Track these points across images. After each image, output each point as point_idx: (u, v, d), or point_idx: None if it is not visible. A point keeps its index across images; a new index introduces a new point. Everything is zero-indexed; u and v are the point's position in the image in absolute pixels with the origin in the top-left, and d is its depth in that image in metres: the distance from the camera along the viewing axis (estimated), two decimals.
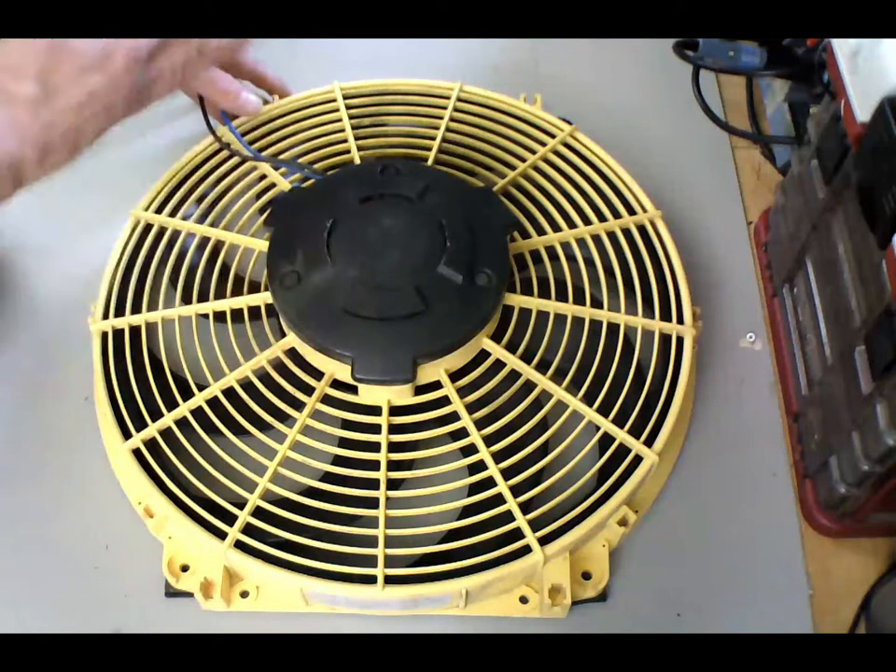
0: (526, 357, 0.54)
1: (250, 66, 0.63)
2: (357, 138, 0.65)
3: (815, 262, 0.54)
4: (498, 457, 0.51)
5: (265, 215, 0.60)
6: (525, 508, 0.50)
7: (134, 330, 0.56)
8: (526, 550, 0.48)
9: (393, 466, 0.51)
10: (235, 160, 0.63)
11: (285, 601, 0.51)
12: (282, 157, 0.64)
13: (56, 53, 0.42)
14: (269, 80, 0.64)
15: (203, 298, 0.57)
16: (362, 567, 0.48)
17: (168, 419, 0.52)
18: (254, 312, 0.57)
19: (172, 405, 0.53)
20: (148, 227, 0.60)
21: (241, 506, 0.49)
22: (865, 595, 0.52)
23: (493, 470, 0.51)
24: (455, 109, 0.65)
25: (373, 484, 0.50)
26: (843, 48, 0.47)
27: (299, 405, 0.53)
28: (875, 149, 0.43)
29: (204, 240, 0.60)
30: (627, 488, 0.50)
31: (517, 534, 0.49)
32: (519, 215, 0.60)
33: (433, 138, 0.64)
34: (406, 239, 0.54)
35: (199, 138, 0.64)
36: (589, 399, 0.53)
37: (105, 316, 0.56)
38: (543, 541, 0.48)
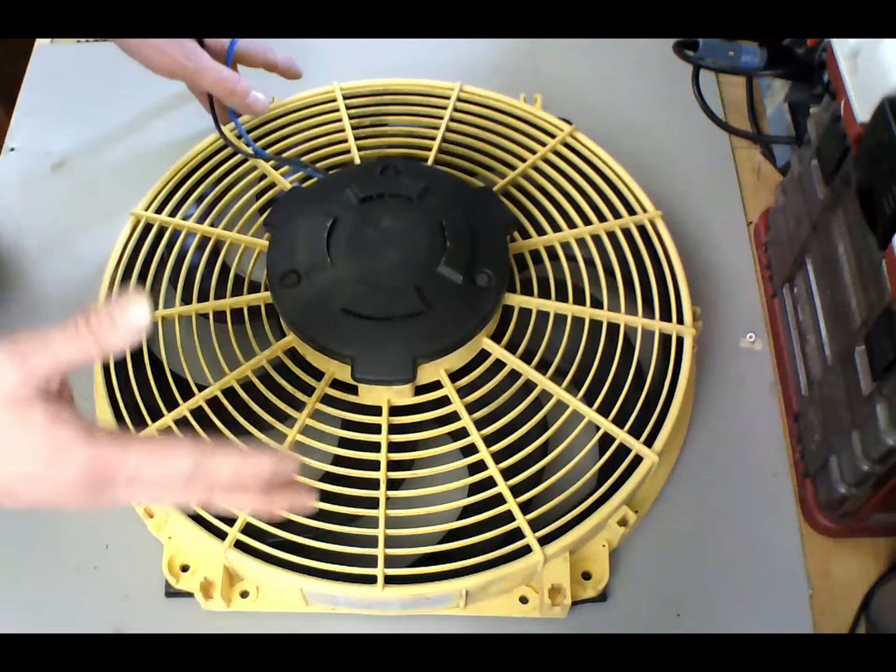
0: (526, 357, 0.54)
1: (261, 55, 0.63)
2: (357, 138, 0.65)
3: (815, 262, 0.54)
4: (498, 457, 0.51)
5: (265, 215, 0.60)
6: (525, 508, 0.50)
7: None
8: (526, 550, 0.48)
9: (393, 466, 0.51)
10: (235, 159, 0.63)
11: (285, 601, 0.51)
12: (283, 157, 0.64)
13: None
14: (280, 66, 0.64)
15: (203, 298, 0.57)
16: (362, 567, 0.48)
17: (168, 419, 0.52)
18: (254, 312, 0.57)
19: (172, 405, 0.53)
20: (149, 226, 0.60)
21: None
22: (865, 595, 0.52)
23: (493, 470, 0.51)
24: (455, 109, 0.65)
25: (373, 484, 0.50)
26: (843, 48, 0.47)
27: (299, 405, 0.53)
28: (875, 149, 0.43)
29: (204, 240, 0.60)
30: (627, 488, 0.50)
31: (517, 534, 0.49)
32: (519, 215, 0.60)
33: (433, 138, 0.64)
34: (406, 239, 0.54)
35: (199, 138, 0.64)
36: (589, 399, 0.53)
37: None
38: (543, 541, 0.48)
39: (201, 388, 0.54)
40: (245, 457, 0.38)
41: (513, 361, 0.54)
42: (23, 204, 0.67)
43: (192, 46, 0.59)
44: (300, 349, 0.55)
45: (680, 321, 0.56)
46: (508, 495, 0.50)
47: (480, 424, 0.52)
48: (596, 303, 0.57)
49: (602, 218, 0.60)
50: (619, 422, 0.52)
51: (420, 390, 0.54)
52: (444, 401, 0.53)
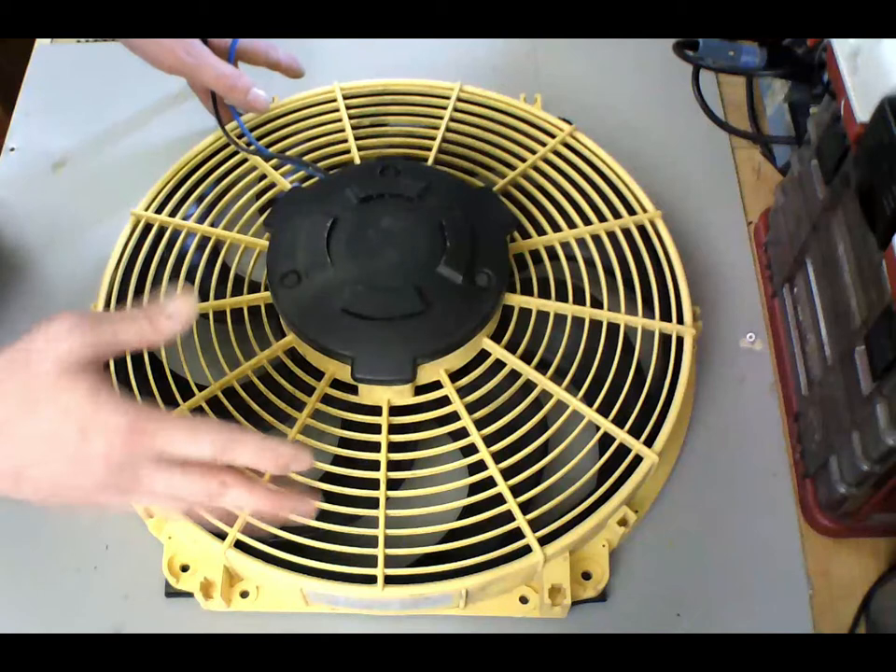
0: (526, 357, 0.54)
1: (263, 53, 0.63)
2: (357, 138, 0.65)
3: (815, 262, 0.54)
4: (498, 457, 0.51)
5: (265, 215, 0.60)
6: (525, 508, 0.50)
7: None
8: (526, 550, 0.48)
9: (393, 466, 0.51)
10: (235, 159, 0.63)
11: (285, 601, 0.51)
12: (285, 154, 0.64)
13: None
14: (283, 65, 0.64)
15: (203, 298, 0.57)
16: (362, 567, 0.48)
17: None
18: (254, 312, 0.57)
19: (172, 405, 0.53)
20: (149, 226, 0.60)
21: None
22: (865, 595, 0.52)
23: (493, 470, 0.51)
24: (455, 109, 0.65)
25: (373, 484, 0.50)
26: (843, 48, 0.47)
27: (299, 405, 0.53)
28: (875, 149, 0.43)
29: (204, 240, 0.60)
30: (627, 488, 0.50)
31: (517, 534, 0.49)
32: (519, 215, 0.60)
33: (433, 138, 0.64)
34: (406, 239, 0.54)
35: (199, 137, 0.64)
36: (589, 399, 0.53)
37: None
38: (543, 541, 0.48)
39: (201, 388, 0.54)
40: (266, 441, 0.42)
41: (513, 361, 0.54)
42: (24, 204, 0.67)
43: (193, 42, 0.59)
44: (300, 349, 0.55)
45: (680, 321, 0.56)
46: (508, 495, 0.50)
47: (480, 424, 0.52)
48: (596, 303, 0.57)
49: (602, 218, 0.60)
50: (619, 422, 0.52)
51: (420, 390, 0.54)
52: (444, 401, 0.53)
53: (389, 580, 0.48)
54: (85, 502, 0.41)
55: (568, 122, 0.65)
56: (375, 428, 0.52)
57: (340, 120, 0.65)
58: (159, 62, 0.59)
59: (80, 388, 0.39)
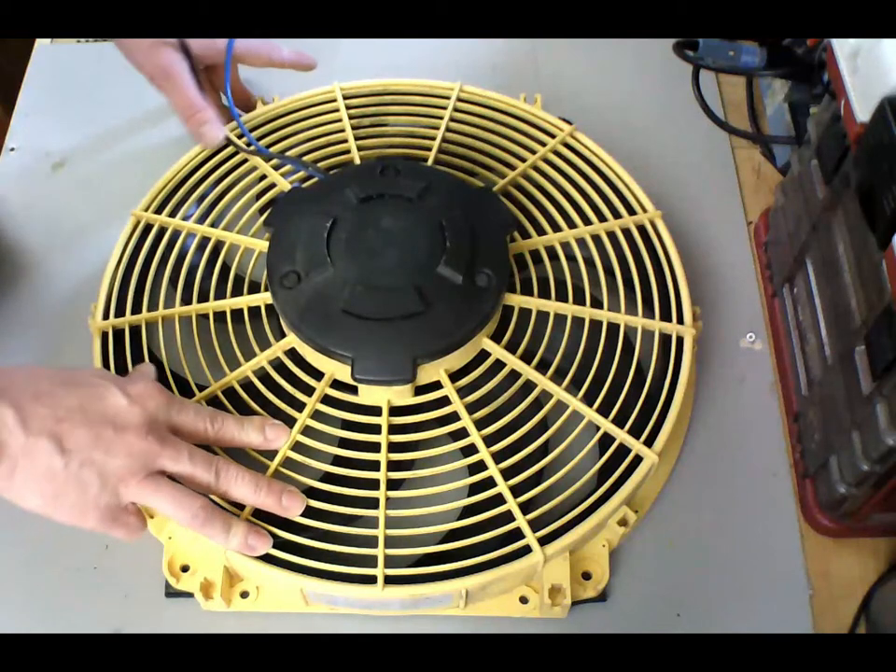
0: (526, 357, 0.54)
1: (266, 55, 0.64)
2: (357, 138, 0.65)
3: (815, 262, 0.54)
4: (498, 457, 0.51)
5: (265, 215, 0.60)
6: (525, 508, 0.50)
7: (134, 330, 0.56)
8: (526, 550, 0.48)
9: (393, 466, 0.51)
10: (235, 159, 0.63)
11: (285, 601, 0.51)
12: (285, 154, 0.64)
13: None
14: (289, 63, 0.65)
15: (203, 298, 0.57)
16: (362, 567, 0.48)
17: None
18: (254, 312, 0.57)
19: None
20: (149, 227, 0.60)
21: (241, 506, 0.49)
22: (865, 595, 0.52)
23: (493, 470, 0.51)
24: (455, 109, 0.65)
25: (373, 485, 0.50)
26: (843, 48, 0.47)
27: (299, 405, 0.53)
28: (875, 149, 0.43)
29: (204, 240, 0.60)
30: (627, 488, 0.50)
31: (517, 534, 0.49)
32: (519, 215, 0.60)
33: (433, 138, 0.64)
34: (406, 239, 0.54)
35: None
36: (589, 399, 0.53)
37: (106, 316, 0.56)
38: (543, 541, 0.48)
39: (201, 388, 0.54)
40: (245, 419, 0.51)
41: (513, 361, 0.54)
42: (24, 204, 0.67)
43: (177, 61, 0.59)
44: (300, 349, 0.55)
45: (680, 321, 0.56)
46: (508, 495, 0.50)
47: (480, 424, 0.52)
48: (596, 303, 0.57)
49: (602, 218, 0.60)
50: (619, 422, 0.52)
51: (420, 390, 0.54)
52: (444, 401, 0.53)
53: (389, 580, 0.48)
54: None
55: (568, 122, 0.65)
56: (375, 429, 0.52)
57: (340, 120, 0.65)
58: (142, 71, 0.60)
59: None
